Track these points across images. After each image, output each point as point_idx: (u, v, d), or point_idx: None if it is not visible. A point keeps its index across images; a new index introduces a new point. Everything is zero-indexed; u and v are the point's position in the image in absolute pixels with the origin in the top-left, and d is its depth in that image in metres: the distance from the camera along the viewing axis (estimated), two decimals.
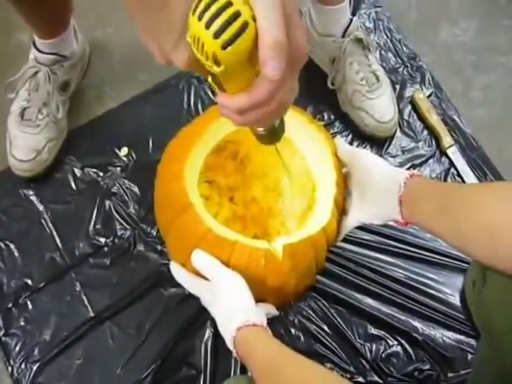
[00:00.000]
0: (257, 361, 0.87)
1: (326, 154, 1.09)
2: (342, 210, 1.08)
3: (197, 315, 1.24)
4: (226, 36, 0.58)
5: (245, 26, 0.58)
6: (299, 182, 1.14)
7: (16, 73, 1.33)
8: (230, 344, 0.93)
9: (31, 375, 1.21)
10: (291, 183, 1.12)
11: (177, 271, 1.03)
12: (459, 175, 1.42)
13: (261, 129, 0.80)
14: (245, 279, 0.97)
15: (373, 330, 1.27)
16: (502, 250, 0.79)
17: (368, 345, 1.26)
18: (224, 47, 0.58)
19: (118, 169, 1.37)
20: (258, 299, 0.99)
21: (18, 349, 1.23)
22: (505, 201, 0.80)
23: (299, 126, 1.12)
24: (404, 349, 1.26)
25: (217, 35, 0.58)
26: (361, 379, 1.23)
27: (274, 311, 1.05)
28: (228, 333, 0.93)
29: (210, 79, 0.67)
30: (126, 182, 1.36)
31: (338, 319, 1.27)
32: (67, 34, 1.33)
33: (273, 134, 0.83)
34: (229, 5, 0.57)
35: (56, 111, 1.33)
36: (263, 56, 0.58)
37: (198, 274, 1.00)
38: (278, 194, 1.16)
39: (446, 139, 1.43)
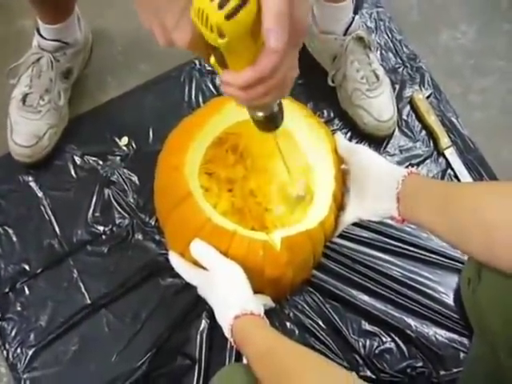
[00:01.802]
0: (254, 349, 0.87)
1: (326, 149, 1.10)
2: (340, 206, 1.09)
3: (193, 306, 1.25)
4: (230, 6, 0.59)
5: None
6: (297, 170, 1.14)
7: (18, 59, 1.33)
8: (227, 332, 0.94)
9: (26, 360, 1.21)
10: (287, 167, 1.12)
11: (175, 260, 1.04)
12: (456, 176, 1.43)
13: (260, 113, 0.81)
14: (242, 270, 0.97)
15: (367, 326, 1.28)
16: (498, 247, 0.80)
17: (362, 340, 1.27)
18: (228, 18, 0.59)
19: (118, 158, 1.38)
20: (255, 291, 0.99)
21: (13, 333, 1.23)
22: (500, 199, 0.81)
23: (300, 120, 1.13)
24: (397, 345, 1.27)
25: (221, 6, 0.59)
26: (354, 374, 1.23)
27: (270, 303, 1.06)
28: (225, 321, 0.94)
29: (212, 59, 0.68)
30: (125, 171, 1.36)
31: (333, 314, 1.28)
32: (71, 20, 1.33)
33: (272, 120, 0.84)
34: None
35: (58, 98, 1.33)
36: (267, 26, 0.59)
37: (196, 263, 1.00)
38: (276, 187, 1.17)
39: (444, 140, 1.44)
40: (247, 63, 0.65)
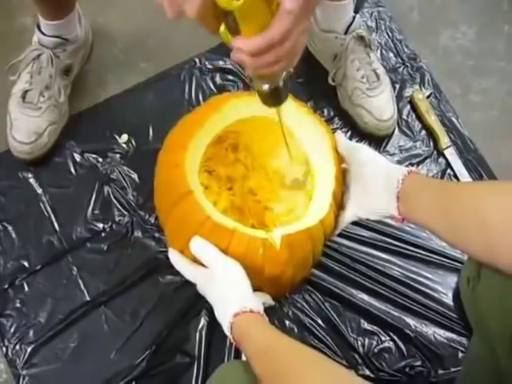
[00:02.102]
0: (254, 346, 0.87)
1: (327, 148, 1.10)
2: (340, 205, 1.09)
3: (192, 303, 1.25)
4: None
5: None
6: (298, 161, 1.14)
7: (18, 56, 1.33)
8: (226, 330, 0.94)
9: (25, 356, 1.21)
10: (289, 151, 1.12)
11: (175, 258, 1.04)
12: (455, 176, 1.43)
13: (266, 86, 0.82)
14: (242, 267, 0.97)
15: (366, 325, 1.28)
16: (498, 248, 0.80)
17: (361, 339, 1.27)
18: None
19: (118, 155, 1.38)
20: (255, 288, 0.99)
21: (12, 330, 1.23)
22: (500, 199, 0.81)
23: (300, 118, 1.13)
24: (396, 345, 1.28)
25: None
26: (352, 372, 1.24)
27: (269, 301, 1.06)
28: (225, 318, 0.93)
29: (222, 28, 0.69)
30: (125, 168, 1.37)
31: (332, 313, 1.28)
32: (72, 17, 1.34)
33: (277, 94, 0.85)
34: None
35: (58, 95, 1.33)
36: None
37: (195, 260, 1.00)
38: (276, 185, 1.17)
39: (444, 140, 1.44)
40: (259, 29, 0.66)
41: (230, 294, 0.95)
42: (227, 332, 0.93)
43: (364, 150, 1.06)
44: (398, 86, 1.50)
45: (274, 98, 0.88)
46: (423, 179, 0.99)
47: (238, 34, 0.68)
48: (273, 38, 0.66)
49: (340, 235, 1.24)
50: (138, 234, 1.32)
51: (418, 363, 1.26)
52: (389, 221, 1.32)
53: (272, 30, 0.66)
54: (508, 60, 1.58)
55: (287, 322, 1.27)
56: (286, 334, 0.89)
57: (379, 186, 0.99)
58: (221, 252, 0.97)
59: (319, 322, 1.28)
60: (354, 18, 1.39)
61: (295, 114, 1.12)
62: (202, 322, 1.25)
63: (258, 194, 1.17)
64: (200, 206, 0.99)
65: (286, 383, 0.77)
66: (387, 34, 1.56)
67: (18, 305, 1.25)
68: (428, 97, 1.50)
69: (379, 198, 0.99)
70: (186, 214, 1.01)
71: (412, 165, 1.43)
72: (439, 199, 0.90)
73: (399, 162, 1.42)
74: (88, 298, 1.26)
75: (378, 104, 1.39)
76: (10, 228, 1.31)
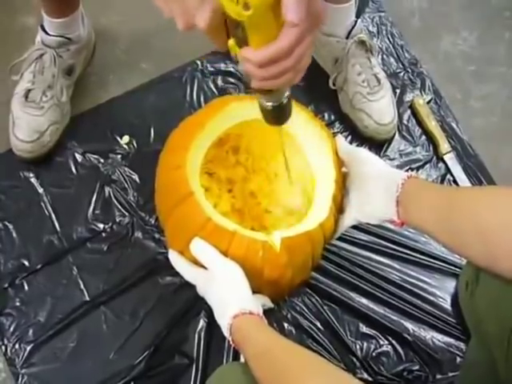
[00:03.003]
0: (252, 348, 0.87)
1: (327, 152, 1.10)
2: (340, 209, 1.09)
3: (191, 305, 1.25)
4: None
5: None
6: (298, 178, 1.15)
7: (20, 55, 1.34)
8: (225, 331, 0.94)
9: (24, 356, 1.21)
10: (289, 176, 1.13)
11: (175, 259, 1.04)
12: (455, 181, 1.44)
13: (270, 103, 0.84)
14: (242, 269, 0.98)
15: (364, 329, 1.29)
16: (498, 254, 0.80)
17: (359, 343, 1.27)
18: None
19: (119, 156, 1.38)
20: (254, 291, 0.99)
21: (12, 329, 1.23)
22: (500, 205, 0.82)
23: (301, 121, 1.13)
24: (394, 349, 1.28)
25: None
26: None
27: (268, 303, 1.06)
28: (224, 320, 0.94)
29: (230, 41, 0.71)
30: (126, 169, 1.37)
31: (331, 316, 1.28)
32: (75, 16, 1.34)
33: (280, 112, 0.87)
34: None
35: (60, 94, 1.34)
36: (286, 1, 0.64)
37: (195, 262, 1.00)
38: (276, 188, 1.17)
39: (444, 145, 1.45)
40: (267, 41, 0.68)
41: (229, 295, 0.95)
42: (226, 334, 0.94)
43: (364, 154, 1.06)
44: (398, 91, 1.50)
45: (277, 116, 0.89)
46: (423, 184, 0.99)
47: (246, 46, 0.70)
48: (280, 49, 0.69)
49: (339, 239, 1.24)
50: (138, 234, 1.32)
51: (416, 367, 1.26)
52: (388, 225, 1.32)
53: (279, 42, 0.68)
54: (508, 66, 1.58)
55: (286, 325, 1.27)
56: (284, 337, 0.89)
57: (379, 190, 1.00)
58: (221, 254, 0.97)
59: (318, 325, 1.28)
60: (356, 22, 1.39)
61: (296, 117, 1.13)
62: (201, 323, 1.25)
63: (258, 196, 1.17)
64: (201, 208, 0.99)
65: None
66: (388, 39, 1.56)
67: (18, 304, 1.25)
68: (428, 102, 1.50)
69: (379, 202, 1.00)
70: (187, 215, 1.01)
71: (412, 170, 1.43)
72: (438, 204, 0.90)
73: (399, 167, 1.42)
74: (88, 298, 1.26)
75: (379, 108, 1.39)
76: (10, 227, 1.31)
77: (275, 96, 0.83)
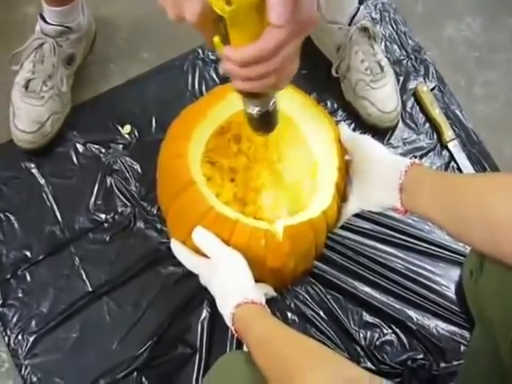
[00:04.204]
0: (254, 337, 0.87)
1: (330, 139, 1.09)
2: (342, 197, 1.08)
3: (194, 294, 1.25)
4: None
5: None
6: (301, 165, 1.14)
7: (20, 45, 1.33)
8: (228, 321, 0.94)
9: (27, 346, 1.21)
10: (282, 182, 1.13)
11: (177, 248, 1.04)
12: (459, 169, 1.43)
13: (256, 109, 0.82)
14: (244, 258, 0.97)
15: (368, 318, 1.28)
16: (502, 240, 0.80)
17: (363, 332, 1.27)
18: None
19: (121, 146, 1.37)
20: (257, 280, 0.99)
21: (15, 320, 1.23)
22: (505, 192, 0.81)
23: (304, 108, 1.13)
24: (398, 337, 1.28)
25: None
26: None
27: (271, 292, 1.06)
28: (226, 309, 0.93)
29: (215, 39, 0.69)
30: (127, 159, 1.36)
31: (334, 305, 1.28)
32: (75, 4, 1.33)
33: (266, 119, 0.85)
34: None
35: (60, 84, 1.33)
36: (271, 2, 0.61)
37: (197, 251, 1.00)
38: (278, 178, 1.17)
39: (448, 133, 1.44)
40: (249, 40, 0.66)
41: (231, 284, 0.95)
42: (229, 323, 0.94)
43: (367, 142, 1.05)
44: (401, 79, 1.49)
45: (263, 124, 0.88)
46: (426, 171, 0.99)
47: (229, 44, 0.68)
48: (262, 49, 0.66)
49: (343, 227, 1.24)
50: (140, 224, 1.31)
51: (420, 356, 1.26)
52: (392, 213, 1.32)
53: (261, 42, 0.66)
54: None
55: (289, 314, 1.27)
56: (287, 326, 0.89)
57: (382, 178, 0.99)
58: (223, 243, 0.97)
59: (321, 314, 1.28)
60: (359, 9, 1.38)
61: (299, 105, 1.12)
62: (204, 313, 1.25)
63: (260, 185, 1.17)
64: (202, 197, 0.99)
65: (287, 373, 0.77)
66: (391, 26, 1.55)
67: (20, 295, 1.25)
68: (432, 89, 1.49)
69: (382, 189, 0.99)
70: (188, 204, 1.01)
71: (415, 157, 1.42)
72: (442, 191, 0.90)
73: (403, 155, 1.41)
74: (90, 289, 1.26)
75: (382, 96, 1.38)
76: (12, 218, 1.31)
77: (260, 102, 0.81)
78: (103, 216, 1.32)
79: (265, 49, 0.66)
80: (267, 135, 0.93)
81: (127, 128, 1.39)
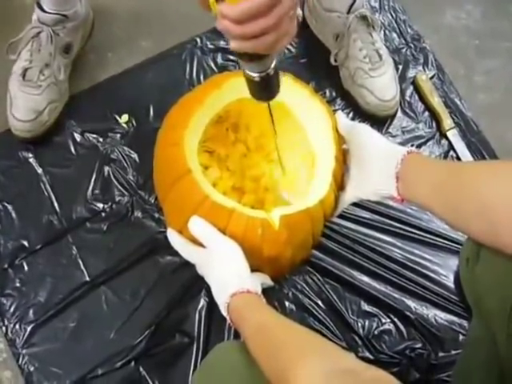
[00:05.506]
0: (249, 326, 0.87)
1: (327, 128, 1.09)
2: (340, 186, 1.08)
3: (192, 284, 1.24)
4: None
5: None
6: (298, 154, 1.14)
7: (17, 34, 1.32)
8: (223, 310, 0.94)
9: (25, 336, 1.21)
10: (281, 167, 1.13)
11: (173, 238, 1.04)
12: (458, 158, 1.42)
13: (255, 73, 0.82)
14: (241, 248, 0.97)
15: (366, 307, 1.28)
16: (500, 229, 0.79)
17: (361, 321, 1.27)
18: None
19: (118, 135, 1.37)
20: (254, 269, 0.99)
21: (12, 309, 1.23)
22: (501, 180, 0.80)
23: (301, 98, 1.12)
24: (396, 327, 1.27)
25: None
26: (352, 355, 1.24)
27: (268, 282, 1.06)
28: (222, 299, 0.94)
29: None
30: (125, 148, 1.36)
31: (332, 294, 1.28)
32: None
33: (267, 85, 0.85)
34: None
35: (58, 73, 1.32)
36: None
37: (194, 241, 1.00)
38: (275, 166, 1.16)
39: (447, 121, 1.43)
40: None
41: (227, 274, 0.96)
42: (224, 312, 0.94)
43: (364, 130, 1.05)
44: (401, 67, 1.49)
45: (264, 90, 0.87)
46: (423, 159, 0.98)
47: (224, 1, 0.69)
48: (256, 4, 0.66)
49: (340, 216, 1.24)
50: (137, 214, 1.31)
51: (419, 345, 1.26)
52: (390, 202, 1.32)
53: None
54: None
55: (287, 303, 1.27)
56: (284, 315, 0.89)
57: (379, 166, 0.99)
58: (219, 232, 0.97)
59: (319, 303, 1.27)
60: None
61: (297, 94, 1.12)
62: (202, 302, 1.24)
63: (258, 174, 1.17)
64: (199, 186, 0.99)
65: (281, 363, 0.76)
66: (390, 13, 1.54)
67: (18, 284, 1.25)
68: (431, 78, 1.48)
69: (379, 178, 0.99)
70: (185, 193, 1.01)
71: (414, 146, 1.41)
72: (438, 179, 0.89)
73: (401, 144, 1.40)
74: (88, 278, 1.26)
75: (381, 84, 1.37)
76: (9, 207, 1.30)
77: (260, 64, 0.81)
78: (101, 205, 1.31)
79: (259, 4, 0.66)
80: (269, 102, 0.92)
81: (125, 117, 1.38)
